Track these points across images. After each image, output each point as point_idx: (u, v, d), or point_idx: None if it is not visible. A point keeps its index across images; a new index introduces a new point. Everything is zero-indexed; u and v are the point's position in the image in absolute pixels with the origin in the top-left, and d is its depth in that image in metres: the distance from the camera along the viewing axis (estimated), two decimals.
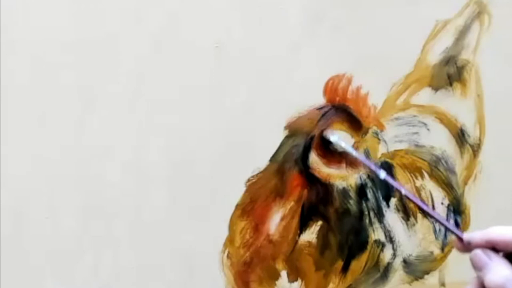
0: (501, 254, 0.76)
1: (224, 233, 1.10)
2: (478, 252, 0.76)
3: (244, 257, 1.11)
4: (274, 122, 1.11)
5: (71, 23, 1.01)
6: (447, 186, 1.20)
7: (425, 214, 0.90)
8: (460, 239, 0.79)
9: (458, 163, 1.21)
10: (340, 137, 1.11)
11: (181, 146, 1.07)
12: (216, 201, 1.09)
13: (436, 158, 1.20)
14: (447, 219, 1.21)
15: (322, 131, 1.12)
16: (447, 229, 0.82)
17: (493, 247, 0.76)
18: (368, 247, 1.16)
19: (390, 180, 0.90)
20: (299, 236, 1.13)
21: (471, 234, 0.78)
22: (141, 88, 1.05)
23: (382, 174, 0.90)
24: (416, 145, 1.19)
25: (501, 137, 1.23)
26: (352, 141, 1.14)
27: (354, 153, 1.04)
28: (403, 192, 0.88)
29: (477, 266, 0.76)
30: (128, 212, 1.05)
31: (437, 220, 0.84)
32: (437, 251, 1.21)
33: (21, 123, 1.00)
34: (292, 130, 1.11)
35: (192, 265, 1.09)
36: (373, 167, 0.93)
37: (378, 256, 1.17)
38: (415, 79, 1.18)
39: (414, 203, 0.89)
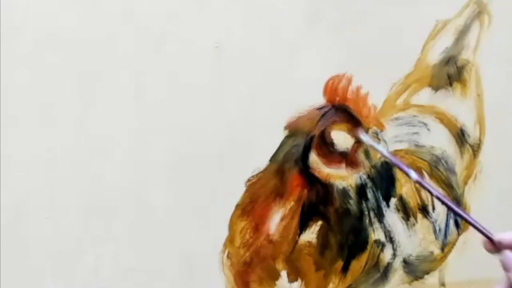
0: None
1: (224, 233, 1.10)
2: (507, 253, 0.78)
3: (244, 257, 1.11)
4: (274, 122, 1.11)
5: (71, 23, 1.01)
6: (447, 186, 1.20)
7: (458, 216, 0.90)
8: (491, 240, 0.80)
9: (458, 163, 1.21)
10: (370, 138, 1.11)
11: (181, 146, 1.07)
12: (216, 201, 1.09)
13: (436, 158, 1.20)
14: (447, 219, 1.21)
15: (322, 131, 1.12)
16: (478, 230, 0.83)
17: None
18: (368, 247, 1.16)
19: (422, 181, 0.90)
20: (299, 236, 1.13)
21: (502, 235, 0.79)
22: (141, 88, 1.05)
23: (414, 175, 0.90)
24: (416, 145, 1.19)
25: (501, 137, 1.23)
26: (352, 141, 1.14)
27: (385, 152, 1.05)
28: (434, 193, 0.88)
29: (507, 267, 0.78)
30: (128, 212, 1.05)
31: (468, 222, 0.84)
32: (437, 251, 1.21)
33: (21, 123, 1.00)
34: (292, 130, 1.11)
35: (192, 265, 1.09)
36: (404, 168, 0.93)
37: (378, 256, 1.17)
38: (415, 79, 1.18)
39: (445, 204, 0.90)
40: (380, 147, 1.09)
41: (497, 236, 0.80)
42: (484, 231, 0.81)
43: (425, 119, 1.20)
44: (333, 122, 1.12)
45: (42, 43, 1.00)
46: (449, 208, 0.89)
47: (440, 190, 1.20)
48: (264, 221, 1.11)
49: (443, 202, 0.89)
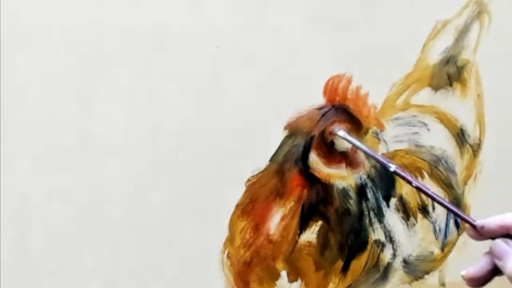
0: None
1: (224, 233, 1.10)
2: (498, 241, 0.77)
3: (244, 257, 1.11)
4: (274, 122, 1.11)
5: (71, 22, 1.01)
6: (447, 186, 1.20)
7: (439, 204, 0.89)
8: (473, 226, 0.79)
9: (458, 163, 1.21)
10: (347, 132, 1.10)
11: (181, 146, 1.07)
12: (216, 201, 1.09)
13: (436, 158, 1.20)
14: (447, 219, 1.21)
15: (322, 131, 1.12)
16: (460, 217, 0.83)
17: (508, 233, 0.77)
18: (368, 247, 1.16)
19: (401, 172, 0.89)
20: (299, 236, 1.13)
21: (485, 220, 0.78)
22: (141, 88, 1.05)
23: (392, 167, 0.90)
24: (416, 145, 1.19)
25: (501, 137, 1.23)
26: None
27: (363, 147, 1.05)
28: (414, 184, 0.88)
29: (497, 255, 0.77)
30: (128, 212, 1.05)
31: (449, 210, 0.84)
32: (437, 251, 1.21)
33: (21, 123, 1.00)
34: (292, 130, 1.11)
35: (192, 265, 1.09)
36: (383, 161, 0.93)
37: (378, 256, 1.17)
38: (415, 79, 1.18)
39: (426, 194, 0.90)
40: (356, 141, 1.08)
41: (480, 221, 0.79)
42: (466, 217, 0.81)
43: (425, 119, 1.20)
44: (333, 122, 1.12)
45: (42, 42, 1.00)
46: (433, 199, 0.89)
47: (440, 190, 1.20)
48: (264, 221, 1.11)
49: (425, 193, 0.89)
